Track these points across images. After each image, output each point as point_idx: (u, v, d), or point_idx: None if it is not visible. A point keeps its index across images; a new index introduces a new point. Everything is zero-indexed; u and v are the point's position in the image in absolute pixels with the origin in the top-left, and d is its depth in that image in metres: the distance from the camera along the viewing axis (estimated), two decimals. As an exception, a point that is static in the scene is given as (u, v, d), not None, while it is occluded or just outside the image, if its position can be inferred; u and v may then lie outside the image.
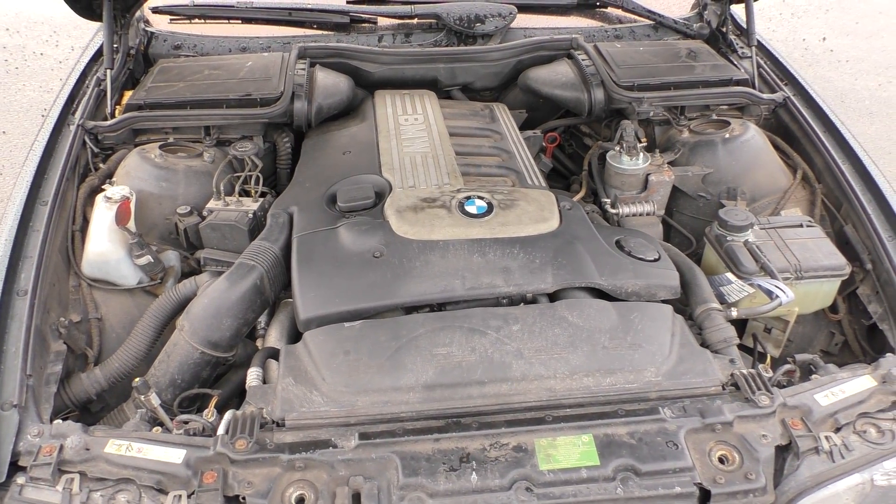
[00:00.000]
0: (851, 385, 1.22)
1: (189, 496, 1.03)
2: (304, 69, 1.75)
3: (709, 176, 1.68)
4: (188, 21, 1.98)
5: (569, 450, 1.10)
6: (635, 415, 1.13)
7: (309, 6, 1.94)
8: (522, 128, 1.88)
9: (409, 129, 1.67)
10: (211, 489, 1.03)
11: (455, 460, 1.06)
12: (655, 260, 1.40)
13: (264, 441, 1.08)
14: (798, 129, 1.72)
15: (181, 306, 1.37)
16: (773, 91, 1.83)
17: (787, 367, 1.31)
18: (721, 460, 1.09)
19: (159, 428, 1.18)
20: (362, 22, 1.97)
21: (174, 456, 1.07)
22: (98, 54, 1.84)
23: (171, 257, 1.50)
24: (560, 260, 1.33)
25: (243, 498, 1.03)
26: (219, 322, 1.30)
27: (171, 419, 1.18)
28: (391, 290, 1.28)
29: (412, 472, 1.04)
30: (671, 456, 1.08)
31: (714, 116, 1.79)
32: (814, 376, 1.27)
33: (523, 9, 1.98)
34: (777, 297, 1.35)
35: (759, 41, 2.02)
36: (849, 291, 1.51)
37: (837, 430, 1.17)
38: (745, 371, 1.20)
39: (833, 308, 1.53)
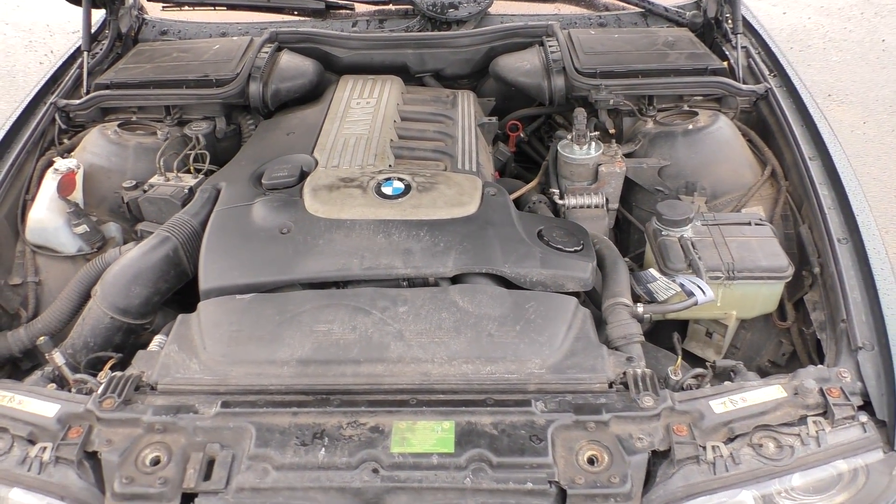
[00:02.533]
0: (757, 394, 1.12)
1: (54, 449, 1.07)
2: (266, 52, 1.78)
3: (666, 169, 1.59)
4: (178, 8, 2.05)
5: (426, 435, 1.06)
6: (504, 405, 1.08)
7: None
8: (492, 115, 1.84)
9: (357, 112, 1.67)
10: (72, 443, 1.06)
11: (308, 435, 1.05)
12: (576, 251, 1.33)
13: (132, 402, 1.10)
14: (775, 123, 1.60)
15: None
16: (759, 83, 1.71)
17: (697, 370, 1.21)
18: (590, 461, 1.03)
19: (54, 385, 1.23)
20: (339, 8, 1.99)
21: (49, 410, 1.11)
22: (90, 40, 1.94)
23: (112, 229, 1.56)
24: (465, 245, 1.29)
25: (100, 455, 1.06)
26: (128, 289, 1.34)
27: None
28: (289, 266, 1.28)
29: (264, 443, 1.04)
30: (531, 451, 1.02)
31: (686, 107, 1.69)
32: (726, 383, 1.18)
33: (499, -7, 1.94)
34: (694, 295, 1.25)
35: (756, 31, 1.90)
36: (798, 297, 1.39)
37: (730, 440, 1.07)
38: (638, 370, 1.13)
39: (783, 315, 1.41)
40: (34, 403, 1.13)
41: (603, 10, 1.99)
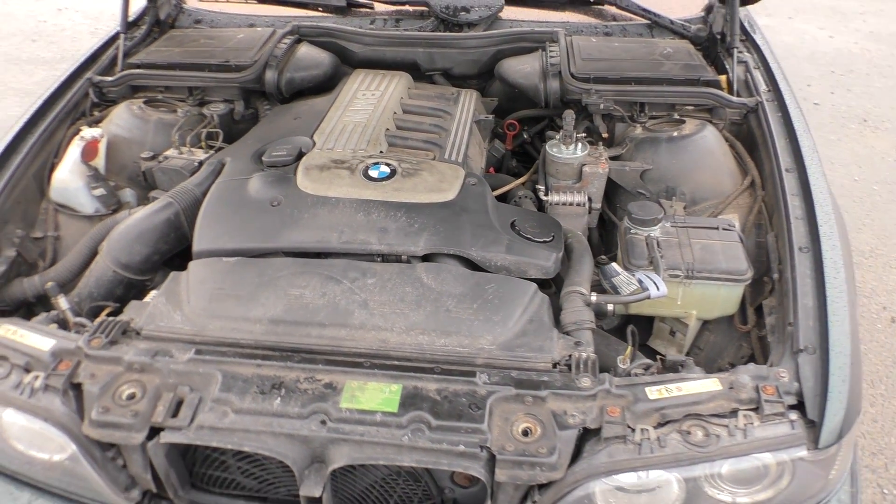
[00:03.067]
0: (693, 385, 1.17)
1: (45, 378, 1.19)
2: (286, 43, 1.91)
3: (649, 173, 1.65)
4: (214, 0, 2.21)
5: (374, 394, 1.15)
6: (450, 375, 1.17)
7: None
8: (496, 115, 1.93)
9: (361, 102, 1.78)
10: (60, 374, 1.18)
11: (267, 385, 1.15)
12: (544, 242, 1.41)
13: (117, 343, 1.22)
14: (760, 135, 1.64)
15: None
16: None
17: (645, 361, 1.28)
18: (524, 432, 1.10)
19: (56, 325, 1.36)
20: (359, 6, 2.11)
21: (45, 345, 1.24)
22: (129, 25, 2.09)
23: (128, 194, 1.69)
24: (438, 227, 1.38)
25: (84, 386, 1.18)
26: (130, 247, 1.47)
27: None
28: (274, 235, 1.39)
29: (227, 388, 1.14)
30: (468, 417, 1.10)
31: (676, 116, 1.74)
32: (668, 374, 1.24)
33: (513, 1, 2.02)
34: (647, 289, 1.31)
35: (758, 45, 1.94)
36: (759, 303, 1.43)
37: (661, 425, 1.13)
38: (583, 354, 1.20)
39: (744, 319, 1.46)
40: (34, 338, 1.26)
41: (611, 20, 2.06)
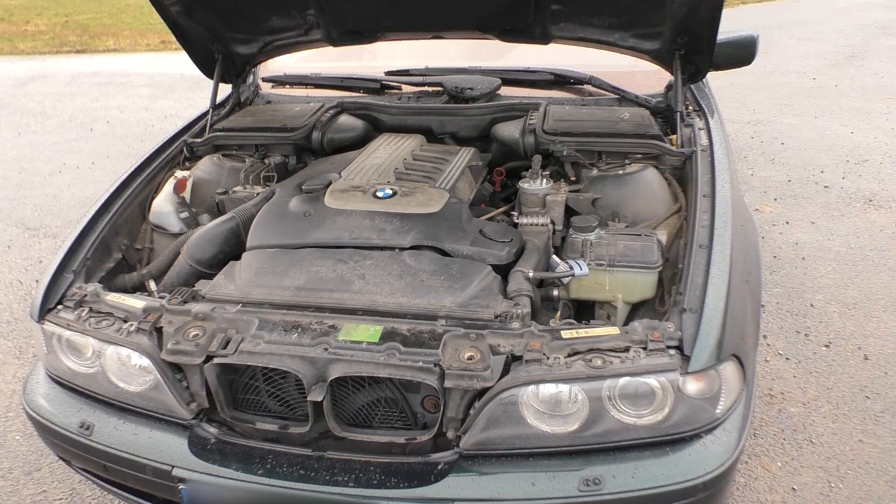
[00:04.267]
0: (597, 331, 1.58)
1: (138, 324, 1.70)
2: (330, 113, 2.50)
3: (599, 201, 2.09)
4: (282, 86, 2.86)
5: (362, 332, 1.60)
6: (417, 319, 1.61)
7: (355, 76, 2.72)
8: (490, 166, 2.44)
9: (381, 152, 2.32)
10: (148, 321, 1.68)
11: (289, 327, 1.62)
12: (503, 242, 1.87)
13: (188, 303, 1.73)
14: (692, 175, 2.06)
15: None
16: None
17: (569, 320, 1.69)
18: (469, 357, 1.52)
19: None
20: (390, 88, 2.70)
21: (139, 305, 1.76)
22: (217, 105, 2.74)
23: (205, 219, 2.25)
24: (422, 228, 1.86)
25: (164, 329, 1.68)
26: (203, 247, 2.00)
27: None
28: (303, 235, 1.90)
29: (261, 329, 1.62)
30: (428, 346, 1.54)
31: (628, 162, 2.20)
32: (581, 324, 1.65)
33: (508, 82, 2.57)
34: (573, 269, 1.74)
35: (706, 115, 2.39)
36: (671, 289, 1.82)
37: (570, 356, 1.53)
38: (518, 311, 1.62)
39: (662, 302, 1.84)
40: (131, 301, 1.78)
41: (587, 95, 2.57)
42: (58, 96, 8.12)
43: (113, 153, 5.85)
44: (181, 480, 1.59)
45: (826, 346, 2.87)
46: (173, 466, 1.60)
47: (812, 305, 3.16)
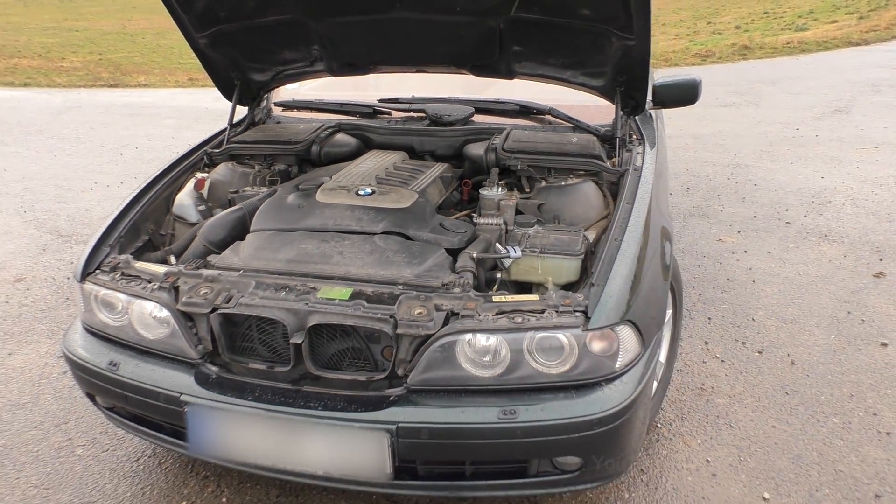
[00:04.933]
0: (521, 298, 2.00)
1: (159, 283, 2.13)
2: (327, 131, 2.97)
3: (543, 206, 2.52)
4: (290, 110, 3.34)
5: (336, 292, 2.03)
6: (380, 284, 2.03)
7: (352, 102, 3.20)
8: (461, 179, 2.89)
9: (368, 163, 2.78)
10: (167, 282, 2.12)
11: (280, 287, 2.05)
12: (458, 233, 2.29)
13: (199, 269, 2.16)
14: (621, 189, 2.48)
15: None
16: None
17: (503, 291, 2.10)
18: (418, 313, 1.94)
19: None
20: (381, 113, 3.17)
21: (161, 270, 2.20)
22: (234, 125, 3.22)
23: (218, 212, 2.70)
24: (392, 219, 2.30)
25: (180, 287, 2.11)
26: (215, 231, 2.45)
27: None
28: (296, 222, 2.34)
29: (256, 288, 2.05)
30: (386, 303, 1.96)
31: (573, 176, 2.63)
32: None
33: (480, 111, 3.03)
34: (509, 253, 2.16)
35: (645, 143, 2.82)
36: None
37: (497, 314, 1.94)
38: (461, 280, 2.04)
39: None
40: (156, 267, 2.23)
41: (548, 124, 3.02)
42: (91, 124, 8.74)
43: (140, 174, 6.37)
44: (186, 404, 2.00)
45: (759, 352, 3.24)
46: (181, 394, 2.02)
47: (753, 320, 3.54)
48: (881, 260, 4.21)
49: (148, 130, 8.32)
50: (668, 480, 2.48)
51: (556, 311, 1.93)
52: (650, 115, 3.22)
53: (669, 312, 2.69)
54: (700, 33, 18.89)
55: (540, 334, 1.90)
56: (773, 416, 2.80)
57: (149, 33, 24.08)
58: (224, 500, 2.41)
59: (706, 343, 3.33)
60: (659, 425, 2.75)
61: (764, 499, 2.38)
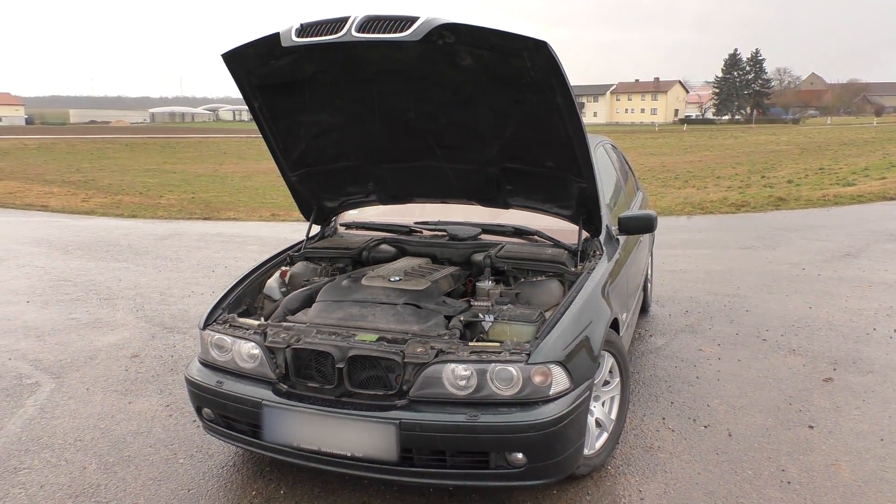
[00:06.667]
0: (488, 344, 3.02)
1: (254, 332, 3.26)
2: (374, 242, 4.15)
3: (519, 294, 3.57)
4: (351, 228, 4.57)
5: (367, 336, 3.11)
6: (396, 333, 3.10)
7: (395, 223, 4.39)
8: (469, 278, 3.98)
9: (401, 264, 3.91)
10: (259, 330, 3.25)
11: (331, 333, 3.14)
12: (454, 306, 3.36)
13: (264, 325, 3.29)
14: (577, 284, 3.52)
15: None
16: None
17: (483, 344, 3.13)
18: (419, 350, 2.98)
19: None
20: (415, 231, 4.35)
21: (255, 322, 3.34)
22: (310, 239, 4.43)
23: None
24: (409, 295, 3.39)
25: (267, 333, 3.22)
26: (291, 302, 3.59)
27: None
28: (345, 296, 3.46)
29: (317, 334, 3.15)
30: (398, 344, 3.02)
31: (542, 276, 3.68)
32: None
33: (486, 231, 4.17)
34: (485, 319, 3.20)
35: (605, 255, 3.87)
36: None
37: (471, 353, 2.96)
38: (450, 334, 3.08)
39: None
40: (252, 321, 3.37)
41: (535, 241, 4.11)
42: (188, 248, 10.33)
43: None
44: (264, 406, 3.04)
45: (705, 426, 4.07)
46: (263, 400, 3.06)
47: (708, 405, 4.37)
48: (835, 370, 4.99)
49: (235, 254, 9.82)
50: (605, 499, 3.31)
51: (510, 353, 2.94)
52: (617, 239, 4.28)
53: (617, 380, 3.63)
54: (752, 186, 19.72)
55: (498, 366, 2.90)
56: (701, 467, 3.60)
57: (237, 176, 26.91)
58: (282, 492, 3.37)
59: (663, 419, 4.18)
60: (609, 468, 3.60)
61: (676, 515, 3.19)
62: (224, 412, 3.26)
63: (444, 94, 3.34)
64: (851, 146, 36.34)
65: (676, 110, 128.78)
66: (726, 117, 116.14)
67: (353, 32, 2.93)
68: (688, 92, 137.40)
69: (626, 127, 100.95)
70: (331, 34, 2.98)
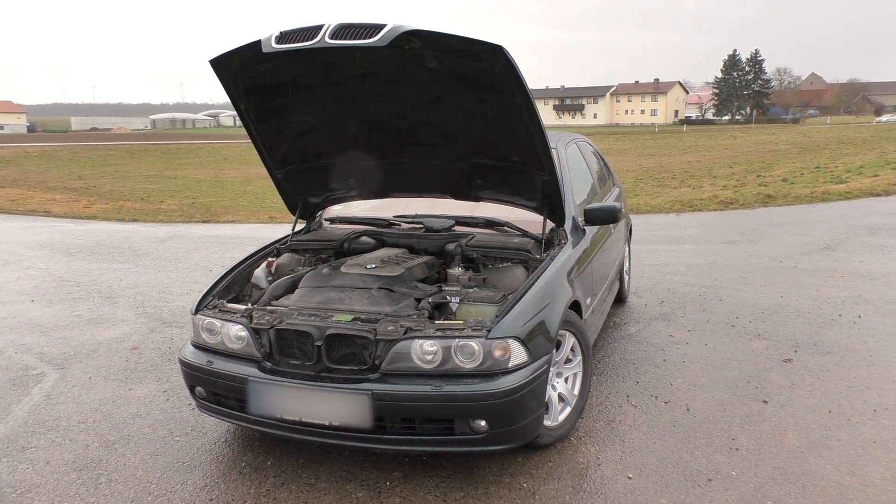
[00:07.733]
0: (454, 322, 3.32)
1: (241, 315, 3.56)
2: (355, 234, 4.45)
3: (487, 279, 3.87)
4: (335, 223, 4.87)
5: (343, 317, 3.41)
6: (370, 313, 3.39)
7: (374, 218, 4.69)
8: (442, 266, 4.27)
9: (379, 253, 4.20)
10: (246, 313, 3.55)
11: (311, 314, 3.44)
12: (423, 290, 3.65)
13: (251, 309, 3.59)
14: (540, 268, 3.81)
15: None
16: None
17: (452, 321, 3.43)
18: (390, 328, 3.28)
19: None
20: (394, 224, 4.65)
21: (242, 307, 3.64)
22: (296, 233, 4.74)
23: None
24: (384, 280, 3.68)
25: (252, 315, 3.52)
26: (275, 289, 3.90)
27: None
28: (325, 282, 3.76)
29: (298, 315, 3.44)
30: (371, 323, 3.32)
31: (508, 262, 3.98)
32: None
33: (459, 223, 4.46)
34: (453, 300, 3.49)
35: (570, 243, 4.16)
36: None
37: (437, 330, 3.25)
38: (419, 314, 3.38)
39: (503, 325, 3.54)
40: (239, 306, 3.67)
41: (505, 232, 4.40)
42: (187, 249, 10.64)
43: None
44: (248, 381, 3.34)
45: (665, 402, 4.36)
46: (248, 376, 3.36)
47: (671, 384, 4.66)
48: (795, 352, 5.28)
49: (232, 254, 10.12)
50: (565, 465, 3.60)
51: (472, 329, 3.23)
52: (584, 230, 4.58)
53: (579, 358, 3.93)
54: (747, 185, 19.94)
55: (461, 342, 3.19)
56: (657, 437, 3.89)
57: (237, 181, 27.22)
58: (269, 463, 3.66)
59: (627, 396, 4.47)
60: (571, 439, 3.88)
61: (628, 477, 3.47)
62: (214, 389, 3.55)
63: (415, 94, 3.64)
64: (850, 145, 36.63)
65: (676, 111, 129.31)
66: (726, 118, 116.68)
67: (327, 39, 3.22)
68: (687, 93, 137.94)
69: (626, 128, 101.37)
70: (307, 41, 3.28)
